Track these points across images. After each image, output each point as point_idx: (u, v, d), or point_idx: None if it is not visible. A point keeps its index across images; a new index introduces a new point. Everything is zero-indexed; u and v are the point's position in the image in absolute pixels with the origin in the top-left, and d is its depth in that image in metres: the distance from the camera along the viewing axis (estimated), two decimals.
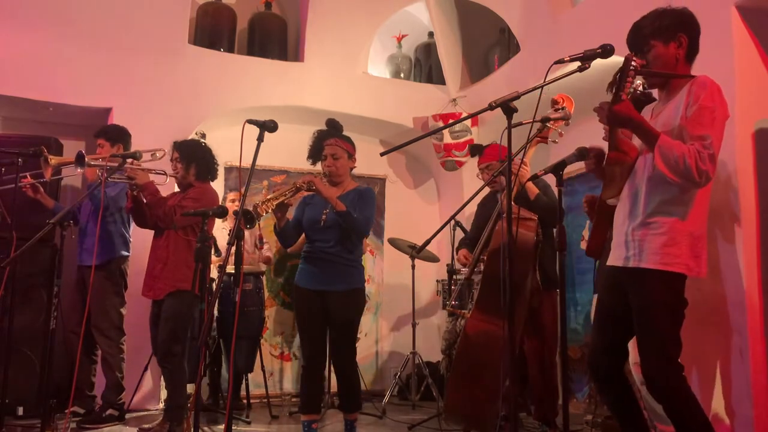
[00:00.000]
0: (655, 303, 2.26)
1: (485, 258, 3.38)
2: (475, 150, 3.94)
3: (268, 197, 3.18)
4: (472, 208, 4.02)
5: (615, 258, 2.42)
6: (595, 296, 3.18)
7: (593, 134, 3.28)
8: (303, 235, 3.50)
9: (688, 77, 2.35)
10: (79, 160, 3.62)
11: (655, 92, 2.58)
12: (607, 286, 2.50)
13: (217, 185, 5.09)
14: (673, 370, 2.23)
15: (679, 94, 2.33)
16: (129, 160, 3.60)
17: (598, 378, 2.48)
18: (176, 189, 4.07)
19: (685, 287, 2.29)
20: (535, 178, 2.80)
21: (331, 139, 3.44)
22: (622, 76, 2.18)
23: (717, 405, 3.10)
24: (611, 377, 2.44)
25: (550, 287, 3.67)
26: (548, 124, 3.08)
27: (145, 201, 3.71)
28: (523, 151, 3.08)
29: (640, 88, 2.61)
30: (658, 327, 2.25)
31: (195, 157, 3.86)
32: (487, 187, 3.65)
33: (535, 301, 3.47)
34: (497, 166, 3.56)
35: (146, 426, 3.85)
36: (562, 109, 3.10)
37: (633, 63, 2.18)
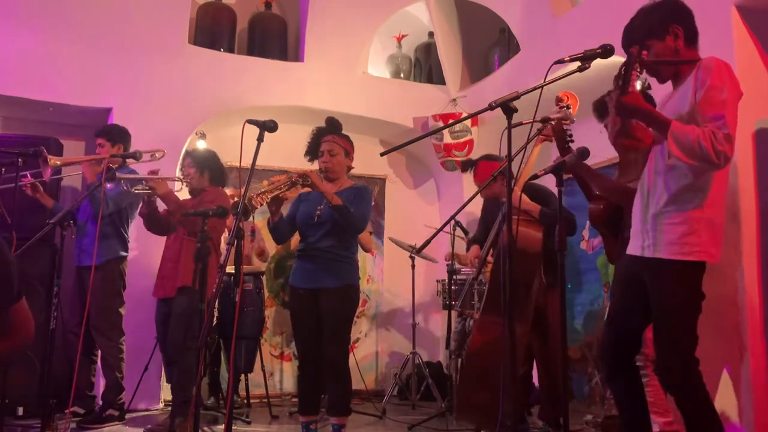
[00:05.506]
0: (673, 294, 2.24)
1: (492, 260, 3.38)
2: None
3: (263, 190, 3.14)
4: (471, 207, 4.01)
5: (632, 247, 2.40)
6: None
7: (594, 134, 3.28)
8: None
9: (695, 62, 2.31)
10: (41, 158, 3.69)
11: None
12: (622, 277, 2.49)
13: None
14: (688, 363, 2.21)
15: (686, 81, 2.30)
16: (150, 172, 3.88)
17: (606, 369, 2.48)
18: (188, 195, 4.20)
19: (703, 277, 2.27)
20: (535, 178, 2.80)
21: (328, 135, 3.44)
22: (627, 68, 2.17)
23: (717, 405, 3.10)
24: (620, 369, 2.44)
25: (556, 285, 3.66)
26: (552, 123, 3.07)
27: (168, 208, 3.95)
28: (524, 150, 3.07)
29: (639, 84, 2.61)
30: (675, 319, 2.23)
31: (207, 164, 4.10)
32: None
33: (541, 300, 3.46)
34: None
35: (150, 427, 3.82)
36: (567, 107, 3.08)
37: (640, 55, 2.17)
